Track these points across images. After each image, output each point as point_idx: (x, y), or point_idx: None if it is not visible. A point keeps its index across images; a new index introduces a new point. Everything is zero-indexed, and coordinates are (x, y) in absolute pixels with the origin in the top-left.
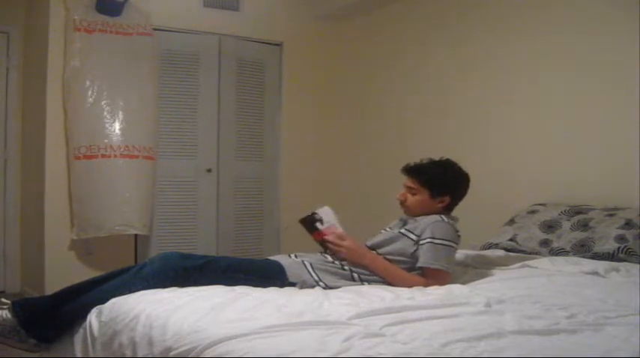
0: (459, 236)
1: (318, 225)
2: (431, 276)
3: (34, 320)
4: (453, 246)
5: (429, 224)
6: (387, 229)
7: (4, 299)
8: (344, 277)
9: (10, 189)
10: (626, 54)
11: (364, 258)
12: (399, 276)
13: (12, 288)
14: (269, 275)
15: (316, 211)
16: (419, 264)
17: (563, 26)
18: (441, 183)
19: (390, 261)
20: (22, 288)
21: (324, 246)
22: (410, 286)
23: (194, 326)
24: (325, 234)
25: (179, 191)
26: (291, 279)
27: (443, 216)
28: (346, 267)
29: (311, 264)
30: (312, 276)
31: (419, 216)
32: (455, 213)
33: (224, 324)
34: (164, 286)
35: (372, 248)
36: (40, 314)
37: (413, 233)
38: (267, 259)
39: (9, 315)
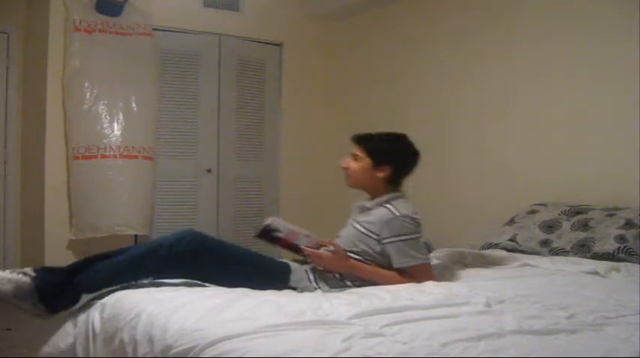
0: (417, 223)
1: (277, 234)
2: (413, 274)
3: (49, 289)
4: (417, 237)
5: (383, 222)
6: (349, 224)
7: (28, 270)
8: (344, 288)
9: (10, 189)
10: (626, 54)
11: (347, 265)
12: (388, 278)
13: None
14: (274, 275)
15: (268, 223)
16: (395, 266)
17: (563, 28)
18: (384, 152)
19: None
20: None
21: (298, 252)
22: (391, 283)
23: (195, 325)
24: (291, 240)
25: (179, 191)
26: (293, 284)
27: (391, 209)
28: (348, 282)
29: (314, 274)
30: (311, 284)
31: (359, 185)
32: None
33: (224, 323)
34: (176, 269)
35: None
36: (55, 284)
37: (372, 232)
38: (274, 259)
39: (28, 280)
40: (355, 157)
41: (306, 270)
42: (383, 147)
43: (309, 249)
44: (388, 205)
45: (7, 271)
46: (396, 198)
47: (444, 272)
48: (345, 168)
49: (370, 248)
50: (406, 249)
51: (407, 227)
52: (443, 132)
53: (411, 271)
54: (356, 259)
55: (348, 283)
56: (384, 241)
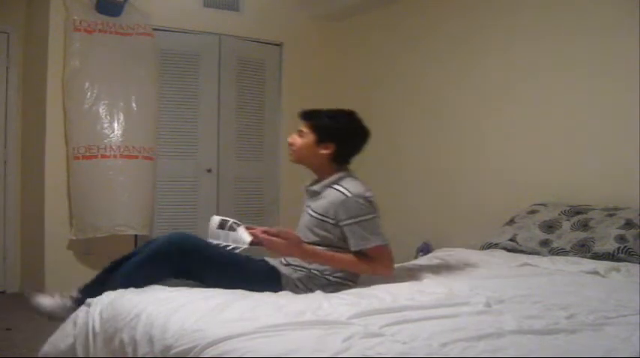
0: (371, 201)
1: (234, 226)
2: (371, 256)
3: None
4: (373, 217)
5: (337, 204)
6: (304, 210)
7: (75, 295)
8: (329, 285)
9: (10, 189)
10: (626, 54)
11: (300, 250)
12: (345, 262)
13: (12, 288)
14: (264, 280)
15: (224, 218)
16: (353, 249)
17: (563, 27)
18: (328, 128)
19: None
20: (21, 288)
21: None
22: (358, 271)
23: (195, 325)
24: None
25: (179, 191)
26: (285, 287)
27: (342, 190)
28: (330, 278)
29: (300, 279)
30: (298, 287)
31: (303, 162)
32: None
33: (224, 324)
34: (165, 268)
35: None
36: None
37: (327, 216)
38: (264, 260)
39: (71, 304)
40: (300, 133)
41: (291, 276)
42: (327, 123)
43: (266, 236)
44: (337, 186)
45: (57, 296)
46: (343, 177)
47: (444, 272)
48: (290, 144)
49: (330, 233)
50: (361, 231)
51: (362, 208)
52: (443, 131)
53: (368, 253)
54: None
55: (332, 279)
56: (341, 224)
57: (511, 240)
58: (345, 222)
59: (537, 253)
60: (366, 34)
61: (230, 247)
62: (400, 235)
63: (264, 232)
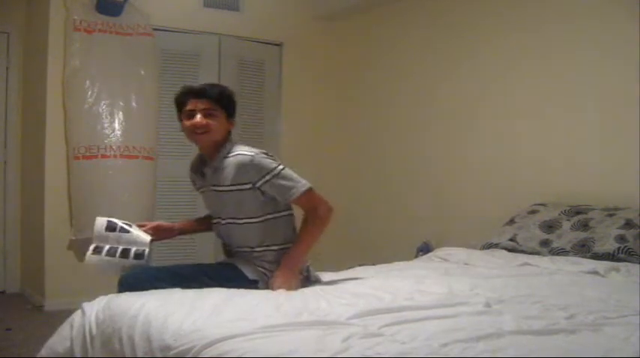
0: (273, 156)
1: (127, 227)
2: (307, 207)
3: None
4: (283, 167)
5: (245, 167)
6: (207, 193)
7: None
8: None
9: (10, 189)
10: (625, 54)
11: (294, 271)
12: (308, 236)
13: (12, 288)
14: (229, 277)
15: (110, 219)
16: (286, 201)
17: (563, 26)
18: (234, 103)
19: (262, 221)
20: (21, 288)
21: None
22: (318, 231)
23: (193, 325)
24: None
25: (179, 191)
26: (251, 277)
27: (241, 152)
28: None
29: (254, 261)
30: (259, 269)
31: (214, 140)
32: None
33: (223, 324)
34: None
35: (221, 218)
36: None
37: (241, 183)
38: (221, 263)
39: None
40: (208, 112)
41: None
42: (232, 98)
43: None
44: (235, 153)
45: None
46: (234, 145)
47: (443, 272)
48: (205, 125)
49: (254, 200)
50: (283, 182)
51: (270, 162)
52: (443, 131)
53: (302, 203)
54: (259, 221)
55: (275, 248)
56: (258, 184)
57: (511, 239)
58: (261, 181)
59: (537, 253)
60: (366, 34)
61: (132, 251)
62: (400, 235)
63: (155, 228)
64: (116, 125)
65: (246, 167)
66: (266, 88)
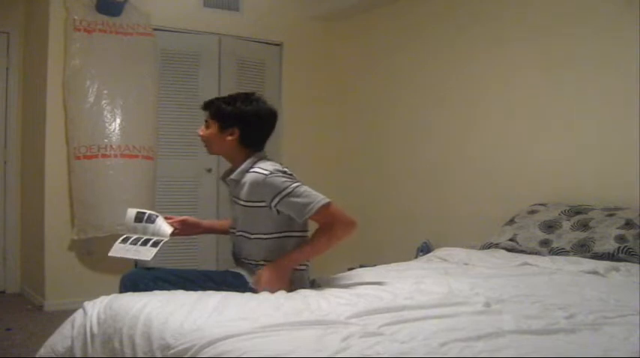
0: (291, 174)
1: (154, 218)
2: (325, 221)
3: None
4: (300, 184)
5: (259, 186)
6: (232, 201)
7: None
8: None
9: (10, 189)
10: (625, 54)
11: (285, 270)
12: (313, 246)
13: (12, 288)
14: (234, 284)
15: (140, 210)
16: (302, 219)
17: (563, 27)
18: (227, 114)
19: (273, 238)
20: (22, 288)
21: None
22: (330, 243)
23: (193, 325)
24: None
25: (179, 191)
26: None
27: (258, 170)
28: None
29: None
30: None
31: (218, 152)
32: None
33: (223, 323)
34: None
35: (235, 228)
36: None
37: (256, 201)
38: (227, 271)
39: None
40: (207, 124)
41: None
42: (226, 109)
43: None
44: (253, 169)
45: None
46: (257, 161)
47: (443, 272)
48: (201, 137)
49: (268, 218)
50: (297, 200)
51: (284, 181)
52: (444, 131)
53: (320, 221)
54: (270, 238)
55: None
56: (273, 204)
57: (511, 239)
58: (275, 200)
59: (537, 253)
60: (366, 34)
61: (151, 241)
62: (400, 235)
63: (181, 222)
64: (116, 125)
65: (260, 186)
66: (266, 87)
